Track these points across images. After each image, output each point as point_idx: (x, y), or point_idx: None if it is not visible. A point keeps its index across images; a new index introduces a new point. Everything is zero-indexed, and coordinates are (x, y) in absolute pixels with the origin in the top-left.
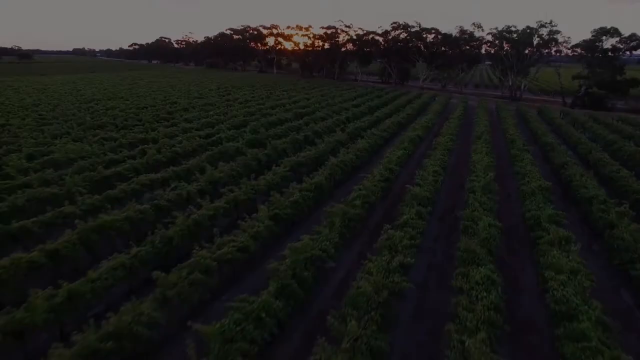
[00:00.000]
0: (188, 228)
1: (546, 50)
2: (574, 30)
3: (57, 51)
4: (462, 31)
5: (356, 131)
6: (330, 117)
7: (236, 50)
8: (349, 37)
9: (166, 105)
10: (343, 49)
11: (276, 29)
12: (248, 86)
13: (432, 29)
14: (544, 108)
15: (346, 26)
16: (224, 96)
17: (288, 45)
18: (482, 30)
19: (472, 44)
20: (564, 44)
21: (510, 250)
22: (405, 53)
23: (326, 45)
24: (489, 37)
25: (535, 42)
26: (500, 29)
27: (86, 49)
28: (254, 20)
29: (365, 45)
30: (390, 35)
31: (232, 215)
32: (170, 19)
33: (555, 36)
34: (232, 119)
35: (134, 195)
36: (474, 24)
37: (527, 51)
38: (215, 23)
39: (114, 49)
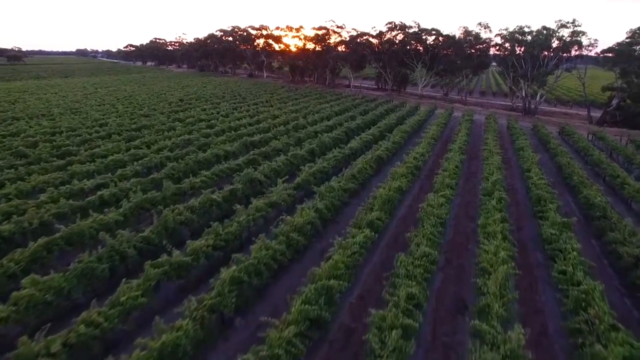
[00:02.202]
0: None
1: (566, 55)
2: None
3: (61, 52)
4: (467, 32)
5: (311, 180)
6: (286, 151)
7: (225, 53)
8: (341, 39)
9: (92, 128)
10: (334, 52)
11: (266, 29)
12: (217, 97)
13: (433, 29)
14: (567, 127)
15: (338, 27)
16: (177, 113)
17: (278, 48)
18: (490, 31)
19: (478, 47)
20: (590, 48)
21: None
22: (402, 57)
23: (317, 48)
24: (498, 39)
25: (554, 45)
26: (511, 29)
27: (89, 49)
28: (258, 21)
29: (358, 48)
30: (385, 36)
31: None
32: (178, 19)
33: (578, 38)
34: (149, 158)
35: None
36: (480, 24)
37: (543, 55)
38: (220, 23)
39: (114, 49)
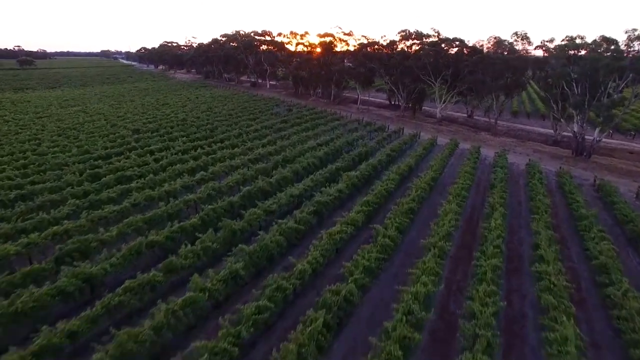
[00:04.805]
0: None
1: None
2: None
3: (86, 53)
4: (499, 42)
5: None
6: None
7: (227, 60)
8: (347, 49)
9: None
10: (339, 66)
11: (269, 35)
12: (184, 126)
13: (455, 39)
14: None
15: (345, 34)
16: (106, 160)
17: (281, 56)
18: (529, 42)
19: (514, 64)
20: None
21: None
22: (417, 73)
23: (321, 59)
24: (539, 53)
25: (624, 64)
26: (558, 41)
27: (112, 50)
28: (270, 26)
29: (365, 61)
30: (397, 47)
31: None
32: (199, 20)
33: None
34: None
35: None
36: (515, 33)
37: (606, 79)
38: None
39: (134, 51)
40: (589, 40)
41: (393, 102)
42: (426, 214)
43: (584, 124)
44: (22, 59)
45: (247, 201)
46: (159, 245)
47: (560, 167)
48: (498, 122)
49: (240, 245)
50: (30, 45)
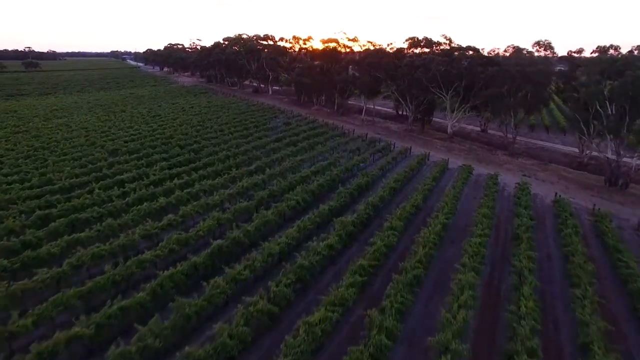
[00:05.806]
0: None
1: None
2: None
3: (97, 53)
4: (518, 52)
5: None
6: None
7: (229, 64)
8: (352, 56)
9: None
10: (342, 75)
11: (272, 39)
12: (167, 146)
13: (469, 47)
14: None
15: (350, 39)
16: (71, 193)
17: (284, 62)
18: (553, 53)
19: (536, 79)
20: None
21: None
22: (427, 85)
23: (324, 66)
24: (562, 66)
25: None
26: (588, 52)
27: (122, 51)
28: (276, 30)
29: (371, 70)
30: (404, 56)
31: None
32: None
33: None
34: None
35: None
36: (538, 42)
37: None
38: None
39: (142, 51)
40: (623, 50)
41: (400, 113)
42: (436, 272)
43: (621, 150)
44: (27, 61)
45: (217, 259)
46: (86, 338)
47: (594, 206)
48: (516, 143)
49: (187, 349)
50: (42, 46)
